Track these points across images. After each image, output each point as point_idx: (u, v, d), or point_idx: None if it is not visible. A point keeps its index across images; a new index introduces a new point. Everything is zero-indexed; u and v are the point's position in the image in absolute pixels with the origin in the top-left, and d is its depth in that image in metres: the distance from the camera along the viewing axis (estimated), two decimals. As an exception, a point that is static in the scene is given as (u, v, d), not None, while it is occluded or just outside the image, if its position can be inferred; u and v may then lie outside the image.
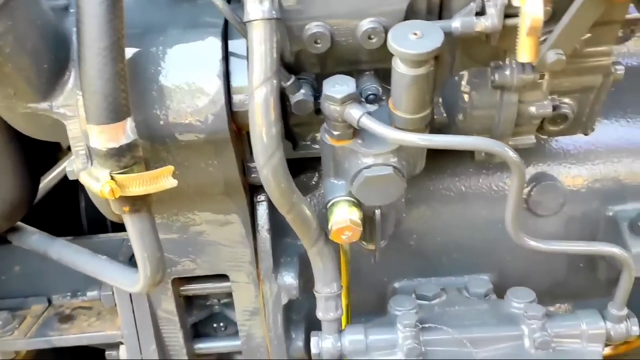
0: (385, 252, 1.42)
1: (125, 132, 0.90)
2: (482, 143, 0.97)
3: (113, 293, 1.34)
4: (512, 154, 0.96)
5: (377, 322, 1.27)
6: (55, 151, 1.80)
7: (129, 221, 0.98)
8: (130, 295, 1.32)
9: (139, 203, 0.96)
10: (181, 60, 1.03)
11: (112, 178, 0.90)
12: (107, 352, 1.46)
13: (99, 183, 0.90)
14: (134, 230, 0.99)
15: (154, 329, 1.36)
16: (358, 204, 1.11)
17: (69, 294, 1.49)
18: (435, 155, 1.34)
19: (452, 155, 1.36)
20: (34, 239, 1.30)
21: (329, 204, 1.11)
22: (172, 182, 0.94)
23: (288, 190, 1.02)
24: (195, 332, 1.47)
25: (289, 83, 1.08)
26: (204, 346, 1.46)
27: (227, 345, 1.46)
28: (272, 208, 1.31)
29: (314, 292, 1.20)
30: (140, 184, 0.91)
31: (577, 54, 1.09)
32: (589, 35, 1.06)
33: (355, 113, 1.00)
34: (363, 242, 1.28)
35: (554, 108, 1.17)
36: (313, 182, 1.41)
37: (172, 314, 1.36)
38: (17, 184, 1.20)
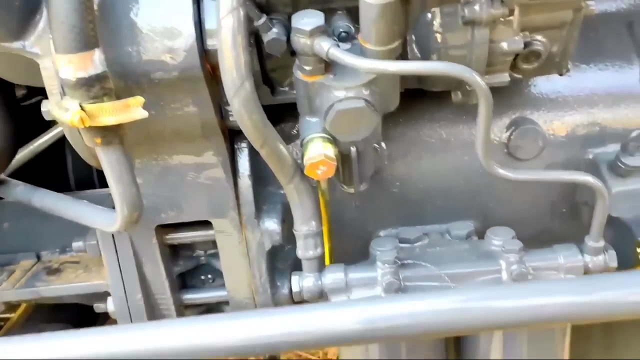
0: (368, 200, 1.43)
1: (93, 62, 0.91)
2: (451, 68, 0.97)
3: (98, 242, 1.35)
4: (478, 79, 0.97)
5: (358, 263, 1.28)
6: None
7: (101, 154, 0.99)
8: (114, 243, 1.33)
9: (110, 135, 0.97)
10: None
11: (82, 108, 0.91)
12: (95, 305, 1.48)
13: (69, 112, 0.91)
14: (107, 163, 1.00)
15: (139, 278, 1.37)
16: (333, 141, 1.12)
17: (58, 250, 1.51)
18: (413, 101, 1.35)
19: (431, 101, 1.37)
20: (18, 190, 1.31)
21: (304, 141, 1.12)
22: (142, 113, 0.95)
23: (260, 123, 1.03)
24: (183, 283, 1.49)
25: (260, 22, 1.08)
26: (191, 296, 1.47)
27: (214, 295, 1.47)
28: (253, 155, 1.32)
29: (293, 232, 1.21)
30: (109, 113, 0.92)
31: (547, -13, 1.09)
32: (557, -33, 1.06)
33: (324, 45, 1.01)
34: (343, 186, 1.29)
35: (526, 45, 1.17)
36: (294, 132, 1.42)
37: (157, 263, 1.37)
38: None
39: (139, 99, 0.95)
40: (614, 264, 1.20)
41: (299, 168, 1.14)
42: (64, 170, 1.75)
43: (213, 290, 1.48)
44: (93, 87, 0.92)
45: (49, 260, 1.50)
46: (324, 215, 1.24)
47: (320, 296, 1.23)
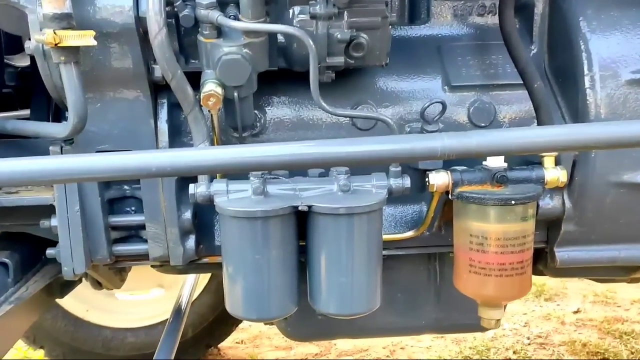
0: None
1: (65, 5, 1.37)
2: (290, 29, 1.49)
3: (50, 164, 1.73)
4: (306, 37, 1.47)
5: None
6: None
7: (64, 70, 1.42)
8: (63, 164, 1.71)
9: (70, 55, 1.40)
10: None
11: (54, 32, 1.35)
12: (40, 222, 1.82)
13: (45, 34, 1.35)
14: (66, 77, 1.43)
15: (79, 194, 1.74)
16: (221, 85, 1.58)
17: (16, 183, 1.86)
18: (286, 84, 1.84)
19: (300, 85, 1.86)
20: (-5, 121, 1.70)
21: (202, 83, 1.58)
22: (92, 42, 1.40)
23: (170, 60, 1.49)
24: (111, 210, 1.86)
25: (177, 3, 1.57)
26: (117, 219, 1.84)
27: (136, 219, 1.84)
28: (170, 110, 1.77)
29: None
30: (72, 37, 1.36)
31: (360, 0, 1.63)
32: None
33: (215, 14, 1.50)
34: (232, 131, 1.74)
35: (354, 38, 1.69)
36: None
37: (94, 184, 1.75)
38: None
39: (91, 32, 1.40)
40: (408, 184, 1.67)
41: (198, 102, 1.59)
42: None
43: (135, 216, 1.86)
44: (62, 21, 1.36)
45: (9, 188, 1.84)
46: (215, 138, 1.68)
47: (209, 200, 1.64)
